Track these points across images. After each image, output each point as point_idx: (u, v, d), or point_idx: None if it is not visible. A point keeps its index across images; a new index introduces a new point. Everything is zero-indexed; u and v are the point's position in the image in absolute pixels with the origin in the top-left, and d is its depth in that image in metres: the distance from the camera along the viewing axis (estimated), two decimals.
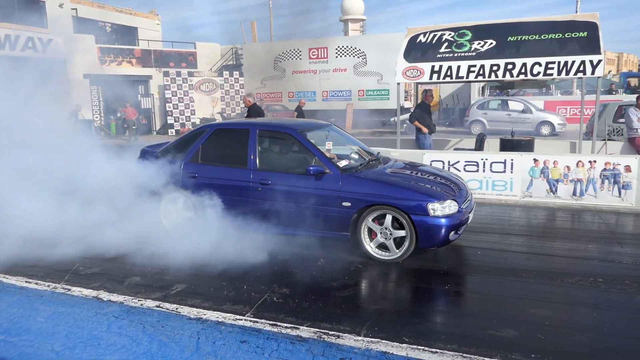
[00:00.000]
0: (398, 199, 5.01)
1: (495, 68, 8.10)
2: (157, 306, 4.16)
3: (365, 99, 23.79)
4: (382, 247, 5.16)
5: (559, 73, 7.77)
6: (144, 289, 4.52)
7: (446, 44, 8.77)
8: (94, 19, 24.98)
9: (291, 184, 5.37)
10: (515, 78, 8.21)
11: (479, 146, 9.57)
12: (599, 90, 8.24)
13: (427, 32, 9.22)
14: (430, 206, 4.92)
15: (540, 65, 7.84)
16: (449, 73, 8.36)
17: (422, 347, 3.40)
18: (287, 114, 20.57)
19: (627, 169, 7.20)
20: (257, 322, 3.83)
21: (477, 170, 7.87)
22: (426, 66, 8.50)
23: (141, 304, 4.20)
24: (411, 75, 8.61)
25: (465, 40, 8.68)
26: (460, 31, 8.93)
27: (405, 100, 23.46)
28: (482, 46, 8.45)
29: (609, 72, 64.39)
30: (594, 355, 3.36)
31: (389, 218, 5.04)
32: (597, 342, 3.51)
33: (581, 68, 7.63)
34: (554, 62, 7.78)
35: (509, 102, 19.74)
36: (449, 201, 5.03)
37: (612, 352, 3.40)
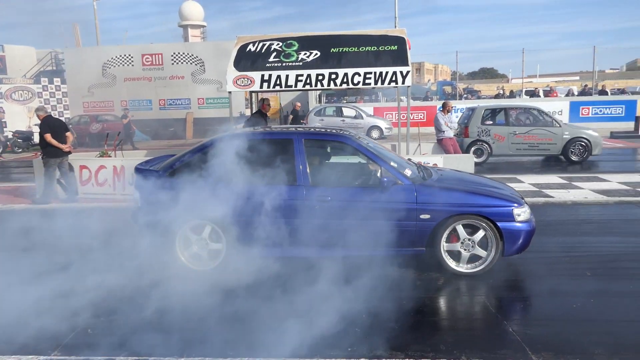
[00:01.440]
0: (484, 206, 4.71)
1: (320, 77, 8.53)
2: None
3: (205, 107, 23.30)
4: (461, 259, 4.81)
5: (376, 82, 8.50)
6: None
7: (275, 53, 8.98)
8: None
9: (356, 199, 4.73)
10: (338, 87, 8.75)
11: None
12: (409, 98, 9.23)
13: (256, 41, 9.34)
14: (515, 212, 4.72)
15: (359, 75, 8.48)
16: (278, 82, 8.56)
17: None
18: (119, 124, 19.09)
19: (435, 165, 8.18)
20: None
21: None
22: (256, 75, 8.60)
23: None
24: (242, 84, 8.63)
25: (293, 51, 9.00)
26: (288, 41, 9.23)
27: (247, 108, 23.57)
28: (308, 56, 8.84)
29: (428, 80, 73.16)
30: None
31: (477, 230, 4.74)
32: None
33: (394, 78, 8.44)
34: (371, 73, 8.47)
35: (343, 108, 21.11)
36: (526, 206, 4.92)
37: None
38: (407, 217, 4.69)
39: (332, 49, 8.95)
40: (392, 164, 4.99)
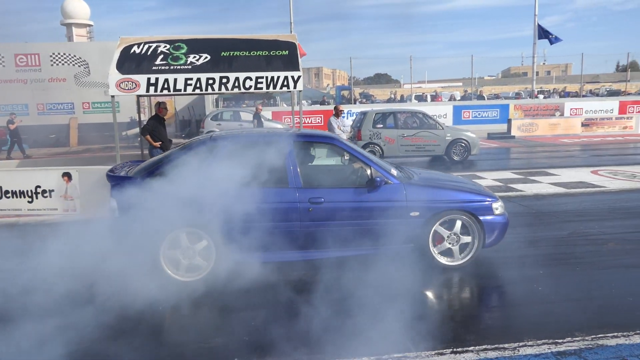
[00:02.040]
0: (467, 202, 5.01)
1: (211, 81, 8.34)
2: None
3: (92, 112, 21.73)
4: (447, 253, 5.03)
5: (268, 87, 8.51)
6: None
7: (162, 56, 8.62)
8: None
9: (349, 199, 4.81)
10: (230, 91, 8.63)
11: None
12: (301, 102, 9.39)
13: (141, 43, 8.90)
14: (493, 206, 5.08)
15: (251, 79, 8.43)
16: (166, 86, 8.23)
17: None
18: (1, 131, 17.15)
19: None
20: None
21: None
22: (142, 78, 8.18)
23: None
24: (126, 88, 8.16)
25: (181, 54, 8.71)
26: (176, 44, 8.91)
27: (140, 112, 22.34)
28: (197, 60, 8.60)
29: (327, 85, 75.04)
30: None
31: (458, 223, 4.98)
32: None
33: (285, 83, 8.51)
34: (262, 77, 8.46)
35: (240, 113, 20.87)
36: (500, 200, 5.24)
37: None
38: (398, 214, 4.87)
39: (223, 53, 8.80)
40: (379, 164, 5.14)
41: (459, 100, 29.15)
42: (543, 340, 3.56)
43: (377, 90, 48.69)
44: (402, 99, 30.71)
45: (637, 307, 4.16)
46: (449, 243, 5.04)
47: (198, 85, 8.31)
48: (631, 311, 4.08)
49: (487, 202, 5.11)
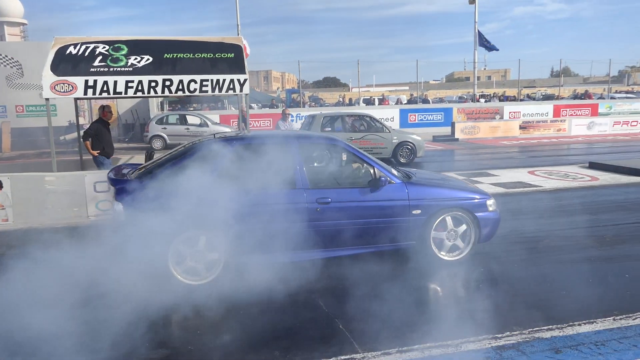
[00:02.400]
0: (464, 199, 5.32)
1: (153, 84, 8.07)
2: None
3: (26, 116, 20.57)
4: (446, 249, 5.30)
5: (213, 90, 8.33)
6: None
7: (100, 57, 8.26)
8: None
9: (354, 199, 4.99)
10: (174, 94, 8.38)
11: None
12: (248, 105, 9.25)
13: (78, 43, 8.48)
14: (488, 202, 5.41)
15: (195, 82, 8.22)
16: (105, 88, 7.88)
17: None
18: None
19: None
20: None
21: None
22: (79, 80, 7.79)
23: None
24: (62, 90, 7.75)
25: (121, 55, 8.38)
26: (115, 45, 8.56)
27: (78, 116, 21.36)
28: (138, 62, 8.30)
29: (278, 88, 74.71)
30: None
31: (456, 220, 5.26)
32: None
33: (231, 86, 8.37)
34: (207, 80, 8.27)
35: (187, 116, 20.40)
36: (493, 198, 5.56)
37: None
38: (402, 213, 5.10)
39: (166, 55, 8.54)
40: (381, 164, 5.32)
41: (405, 104, 29.84)
42: (484, 336, 3.68)
43: (326, 94, 49.05)
44: (351, 103, 31.06)
45: (570, 301, 4.38)
46: (448, 239, 5.30)
47: (140, 88, 8.01)
48: (565, 305, 4.29)
49: (481, 200, 5.42)
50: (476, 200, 5.39)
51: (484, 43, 27.15)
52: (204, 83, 8.27)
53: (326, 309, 4.24)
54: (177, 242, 4.55)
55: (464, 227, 5.32)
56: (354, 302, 4.29)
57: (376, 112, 22.28)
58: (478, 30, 27.18)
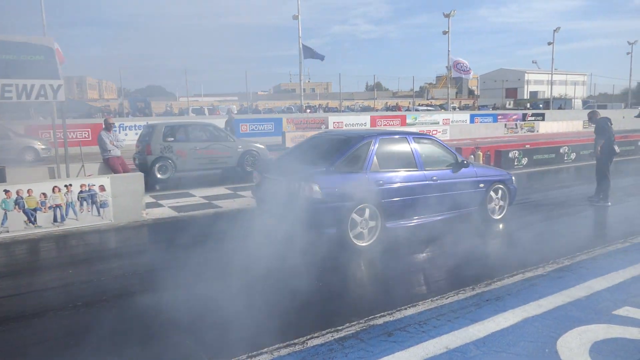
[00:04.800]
0: (503, 176, 7.81)
1: None
2: None
3: None
4: (494, 212, 7.64)
5: (19, 97, 7.31)
6: None
7: None
8: None
9: (449, 177, 6.96)
10: None
11: None
12: (63, 114, 8.33)
13: None
14: (513, 179, 7.95)
15: None
16: None
17: None
18: None
19: (102, 188, 7.61)
20: None
21: None
22: None
23: None
24: None
25: None
26: None
27: None
28: None
29: (109, 98, 68.04)
30: None
31: (499, 190, 7.65)
32: None
33: (42, 92, 7.45)
34: (12, 85, 7.24)
35: None
36: (513, 176, 8.08)
37: None
38: (474, 186, 7.29)
39: None
40: (459, 153, 7.67)
41: (235, 114, 29.98)
42: (327, 330, 3.91)
43: (151, 103, 46.46)
44: (180, 112, 30.02)
45: (400, 286, 4.91)
46: (495, 205, 7.61)
47: None
48: (394, 291, 4.79)
49: (510, 177, 7.88)
50: (507, 177, 7.82)
51: (311, 54, 28.77)
52: (7, 89, 7.26)
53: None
54: (354, 213, 6.11)
55: (501, 195, 7.64)
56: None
57: (207, 122, 21.89)
58: (303, 44, 28.72)
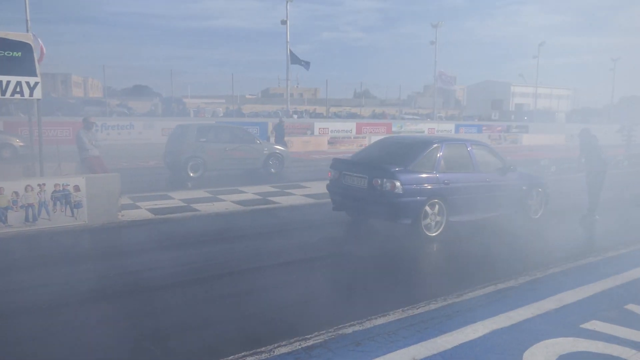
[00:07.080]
0: (539, 180, 8.87)
1: None
2: None
3: None
4: (534, 212, 8.53)
5: None
6: None
7: None
8: None
9: (498, 180, 7.85)
10: None
11: None
12: (39, 111, 8.18)
13: None
14: (544, 182, 8.86)
15: None
16: None
17: None
18: None
19: (77, 188, 7.48)
20: None
21: None
22: None
23: None
24: None
25: None
26: None
27: None
28: None
29: (77, 96, 67.12)
30: None
31: (538, 193, 8.59)
32: None
33: (18, 89, 7.31)
34: None
35: None
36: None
37: None
38: (519, 188, 8.19)
39: None
40: (508, 159, 8.59)
41: (221, 117, 29.84)
42: (295, 338, 3.87)
43: (137, 103, 45.97)
44: (164, 114, 29.75)
45: (386, 294, 4.89)
46: (534, 205, 8.50)
47: None
48: (370, 301, 4.77)
49: (545, 181, 8.90)
50: (544, 181, 8.88)
51: (297, 61, 28.79)
52: None
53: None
54: (426, 206, 6.99)
55: (539, 196, 8.53)
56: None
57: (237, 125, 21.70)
58: (290, 50, 28.74)
